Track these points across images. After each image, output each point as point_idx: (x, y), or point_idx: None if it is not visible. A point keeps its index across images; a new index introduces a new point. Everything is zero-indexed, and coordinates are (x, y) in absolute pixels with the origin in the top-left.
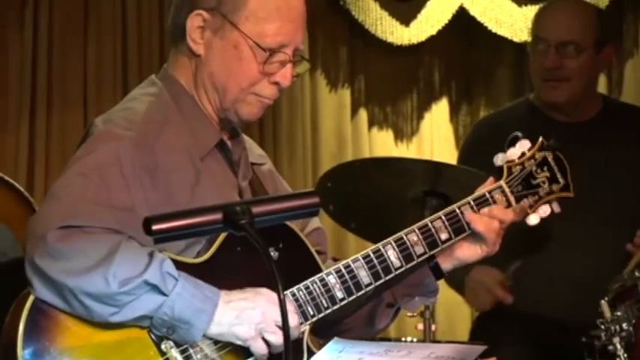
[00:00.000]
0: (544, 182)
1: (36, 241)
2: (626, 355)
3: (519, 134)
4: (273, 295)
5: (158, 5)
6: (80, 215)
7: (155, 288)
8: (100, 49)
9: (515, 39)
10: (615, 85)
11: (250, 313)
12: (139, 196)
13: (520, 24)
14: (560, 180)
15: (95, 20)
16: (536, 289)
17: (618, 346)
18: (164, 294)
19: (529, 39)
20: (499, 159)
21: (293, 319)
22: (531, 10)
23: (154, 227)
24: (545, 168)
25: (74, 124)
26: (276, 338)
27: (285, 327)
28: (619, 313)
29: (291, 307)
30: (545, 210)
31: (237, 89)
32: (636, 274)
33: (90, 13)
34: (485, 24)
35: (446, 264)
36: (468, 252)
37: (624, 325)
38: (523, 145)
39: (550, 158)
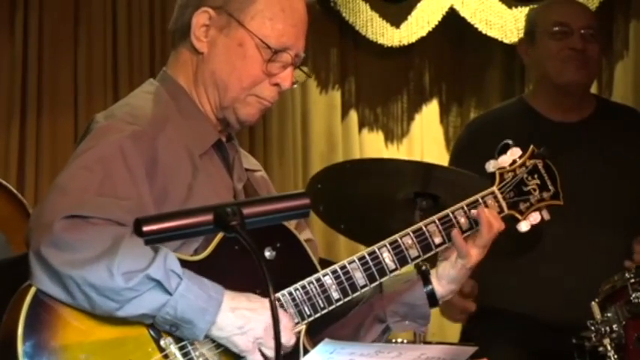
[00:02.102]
0: (535, 189)
1: (41, 232)
2: (616, 357)
3: (510, 142)
4: (279, 311)
5: (148, 9)
6: (86, 206)
7: (159, 285)
8: (91, 52)
9: (506, 40)
10: (605, 86)
11: (254, 326)
12: (143, 187)
13: (510, 25)
14: (551, 188)
15: (85, 24)
16: (527, 290)
17: (608, 347)
18: (168, 292)
19: (518, 40)
20: (491, 165)
21: (291, 338)
22: (521, 12)
23: (145, 228)
24: (536, 176)
25: (64, 127)
26: (273, 353)
27: (276, 331)
28: (609, 315)
29: (289, 325)
30: (535, 217)
31: (238, 87)
32: (627, 275)
33: (80, 16)
34: (476, 25)
35: (438, 288)
36: (447, 268)
37: (614, 327)
38: (514, 153)
39: (540, 166)
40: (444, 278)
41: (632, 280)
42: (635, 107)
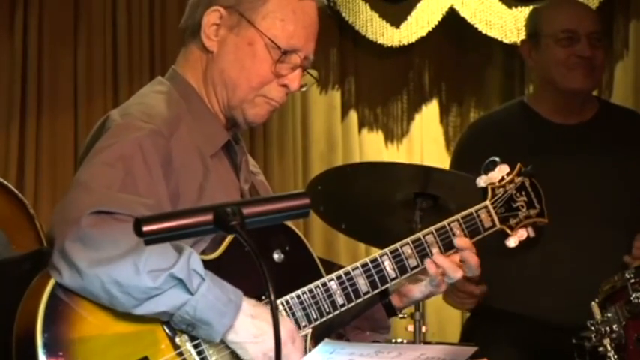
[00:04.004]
0: (522, 206)
1: (68, 226)
2: (616, 357)
3: (497, 159)
4: (294, 332)
5: (148, 8)
6: (111, 202)
7: (181, 283)
8: (91, 50)
9: (506, 40)
10: (605, 86)
11: (267, 339)
12: (161, 186)
13: (510, 25)
14: (537, 206)
15: (85, 22)
16: (526, 290)
17: (608, 347)
18: (189, 292)
19: (519, 40)
20: (482, 181)
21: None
22: (521, 12)
23: (144, 228)
24: (523, 193)
25: (64, 126)
26: None
27: (276, 331)
28: (609, 315)
29: (301, 347)
30: (522, 233)
31: (247, 87)
32: (626, 275)
33: (80, 15)
34: (476, 25)
35: (397, 301)
36: (414, 290)
37: (614, 327)
38: (502, 170)
39: (527, 184)
40: (407, 297)
41: (632, 280)
42: (636, 108)
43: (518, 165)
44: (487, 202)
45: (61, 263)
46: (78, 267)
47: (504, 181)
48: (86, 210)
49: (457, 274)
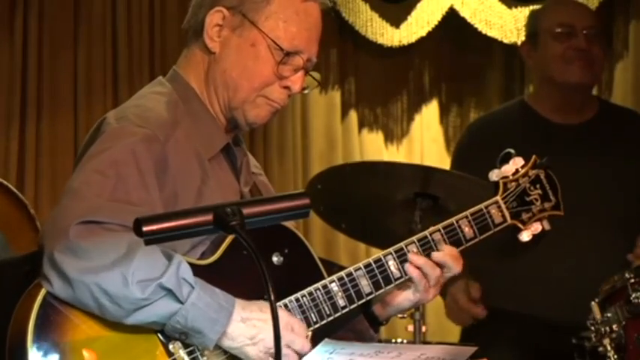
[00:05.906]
0: (537, 200)
1: (57, 236)
2: (616, 357)
3: (512, 151)
4: (290, 320)
5: (148, 10)
6: (101, 212)
7: (170, 293)
8: (90, 52)
9: (505, 40)
10: (605, 86)
11: (265, 337)
12: (154, 193)
13: (510, 25)
14: (552, 198)
15: (85, 23)
16: (526, 290)
17: (608, 347)
18: (179, 301)
19: (519, 40)
20: (494, 174)
21: (305, 345)
22: (521, 12)
23: (145, 228)
24: (538, 186)
25: (64, 129)
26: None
27: (276, 331)
28: (609, 315)
29: (303, 332)
30: (536, 227)
31: (248, 88)
32: (626, 275)
33: (80, 16)
34: (476, 25)
35: (381, 311)
36: (399, 299)
37: (614, 327)
38: (517, 162)
39: (542, 176)
40: (391, 305)
41: (632, 280)
42: (636, 108)
43: (534, 157)
44: (498, 197)
45: (51, 273)
46: (67, 276)
47: (518, 175)
48: (75, 219)
49: (457, 266)
